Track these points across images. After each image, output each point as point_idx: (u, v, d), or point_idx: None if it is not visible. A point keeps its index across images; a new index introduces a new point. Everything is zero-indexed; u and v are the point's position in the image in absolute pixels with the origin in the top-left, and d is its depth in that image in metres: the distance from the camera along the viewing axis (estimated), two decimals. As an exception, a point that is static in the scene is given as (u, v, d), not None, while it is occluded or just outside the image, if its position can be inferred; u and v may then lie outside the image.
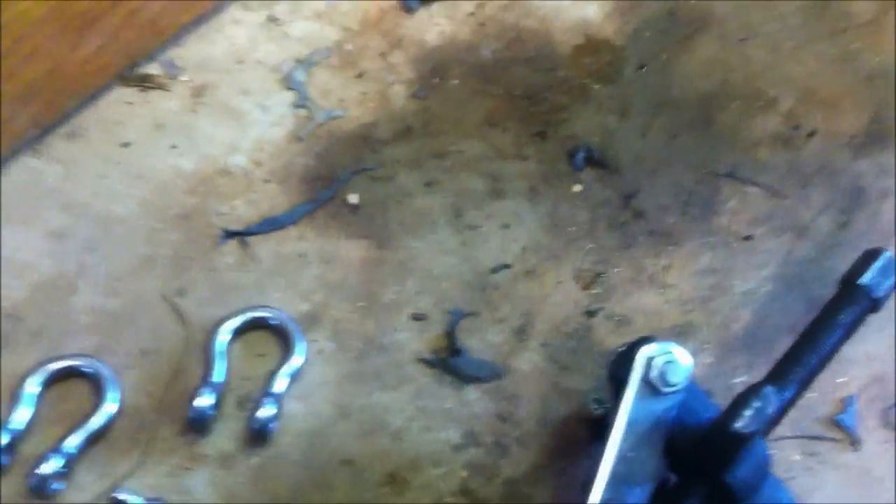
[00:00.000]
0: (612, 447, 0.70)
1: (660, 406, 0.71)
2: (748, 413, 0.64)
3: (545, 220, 0.92)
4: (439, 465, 0.81)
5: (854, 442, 0.82)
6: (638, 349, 0.71)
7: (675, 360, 0.70)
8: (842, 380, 0.85)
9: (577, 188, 0.94)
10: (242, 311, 0.85)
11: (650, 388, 0.71)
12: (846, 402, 0.84)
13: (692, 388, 0.73)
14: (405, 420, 0.83)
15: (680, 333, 0.83)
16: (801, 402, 0.81)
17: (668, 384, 0.69)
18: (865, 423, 0.83)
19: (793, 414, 0.81)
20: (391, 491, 0.79)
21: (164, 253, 0.89)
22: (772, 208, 0.93)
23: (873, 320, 0.84)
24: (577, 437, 0.78)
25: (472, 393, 0.84)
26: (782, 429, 0.81)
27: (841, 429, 0.83)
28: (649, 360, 0.71)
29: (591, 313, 0.87)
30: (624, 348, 0.74)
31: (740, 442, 0.65)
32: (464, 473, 0.81)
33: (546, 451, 0.82)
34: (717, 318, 0.87)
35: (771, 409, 0.64)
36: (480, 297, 0.87)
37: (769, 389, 0.64)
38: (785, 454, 0.81)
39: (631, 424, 0.71)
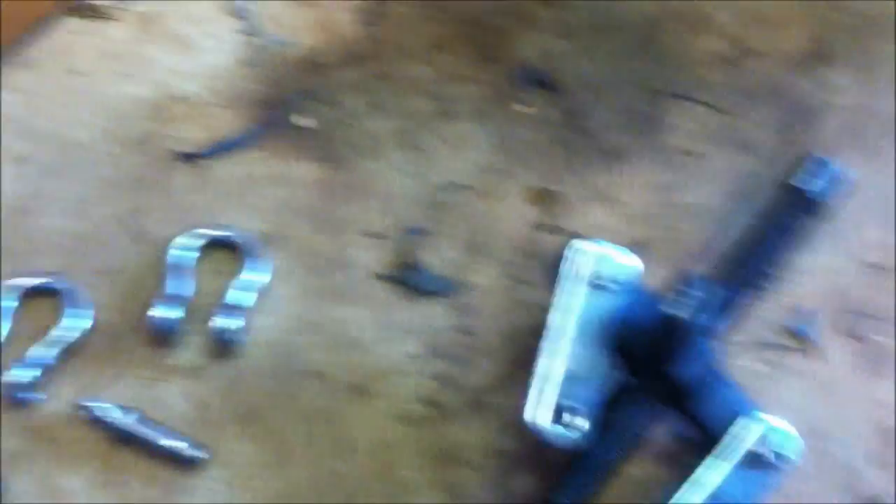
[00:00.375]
0: (560, 345, 0.73)
1: (605, 304, 0.74)
2: (684, 300, 0.65)
3: (494, 139, 0.93)
4: (403, 375, 0.82)
5: (815, 350, 0.83)
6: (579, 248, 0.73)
7: (621, 259, 0.73)
8: (802, 291, 0.87)
9: (525, 109, 0.95)
10: (201, 228, 0.85)
11: (596, 284, 0.73)
12: (806, 312, 0.85)
13: (641, 292, 0.75)
14: (368, 333, 0.84)
15: (630, 248, 0.84)
16: (761, 314, 0.84)
17: (613, 281, 0.72)
18: (825, 331, 0.85)
19: (754, 325, 0.84)
20: (358, 400, 0.79)
21: (123, 177, 0.90)
22: (717, 125, 0.94)
23: (827, 231, 0.88)
24: (535, 346, 0.77)
25: (432, 307, 0.85)
26: (742, 340, 0.83)
27: (802, 338, 0.85)
28: (593, 258, 0.73)
29: (542, 229, 0.88)
30: (569, 247, 0.76)
31: (680, 330, 0.67)
32: (427, 383, 0.82)
33: (506, 360, 0.83)
34: (667, 232, 0.88)
35: (707, 297, 0.65)
36: (435, 216, 0.88)
37: (706, 277, 0.64)
38: (744, 364, 0.83)
39: (579, 321, 0.74)
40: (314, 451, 0.78)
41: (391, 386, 0.81)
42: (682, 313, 0.66)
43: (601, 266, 0.73)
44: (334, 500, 0.76)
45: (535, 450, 0.78)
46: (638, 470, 0.78)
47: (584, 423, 0.70)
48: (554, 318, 0.73)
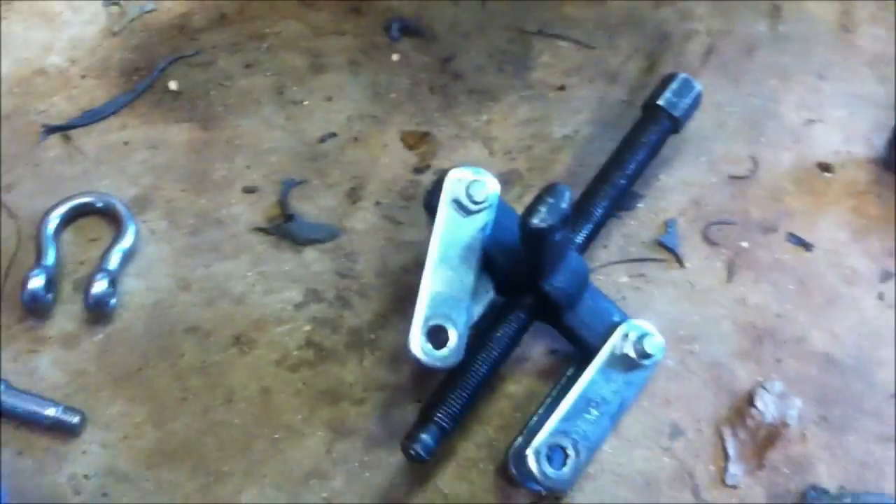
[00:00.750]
0: (430, 267, 0.73)
1: (471, 225, 0.74)
2: (543, 208, 0.65)
3: (367, 89, 0.94)
4: (283, 322, 0.82)
5: (678, 259, 0.84)
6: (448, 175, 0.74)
7: (482, 180, 0.71)
8: (664, 205, 0.89)
9: (396, 57, 0.96)
10: (69, 198, 0.85)
11: (460, 206, 0.74)
12: (668, 225, 0.86)
13: (507, 212, 0.76)
14: (247, 285, 0.83)
15: (506, 181, 0.86)
16: (624, 230, 0.86)
17: (476, 201, 0.72)
18: (687, 241, 0.86)
19: (619, 241, 0.86)
20: (238, 352, 0.79)
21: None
22: (582, 59, 0.96)
23: (688, 148, 0.89)
24: (415, 283, 0.78)
25: (311, 254, 0.85)
26: (610, 255, 0.85)
27: (665, 249, 0.86)
28: (456, 183, 0.72)
29: (419, 170, 0.89)
30: (437, 177, 0.76)
31: (543, 238, 0.67)
32: (308, 328, 0.82)
33: (386, 299, 0.84)
34: (539, 163, 0.90)
35: (565, 205, 0.65)
36: (311, 167, 0.89)
37: (562, 186, 0.66)
38: (614, 279, 0.85)
39: (447, 244, 0.74)
40: (192, 405, 0.79)
41: (271, 334, 0.82)
42: (543, 222, 0.66)
43: (467, 188, 0.74)
44: (214, 448, 0.76)
45: (415, 380, 0.80)
46: (517, 387, 0.80)
47: (455, 343, 0.71)
48: (430, 247, 0.74)
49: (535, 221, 0.65)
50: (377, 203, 0.88)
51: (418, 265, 0.79)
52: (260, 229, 0.86)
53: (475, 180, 0.74)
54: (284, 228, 0.86)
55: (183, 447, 0.77)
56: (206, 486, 0.75)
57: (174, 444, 0.77)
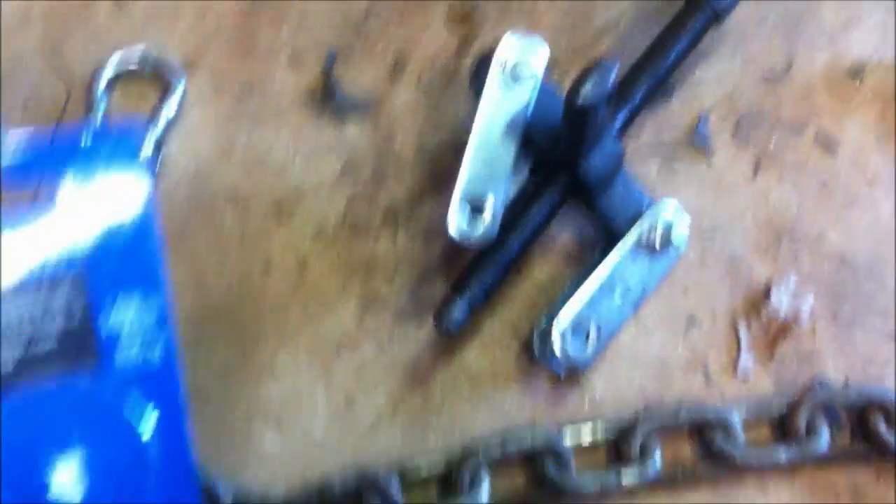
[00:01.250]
0: (471, 145, 0.74)
1: (516, 99, 0.75)
2: (589, 85, 0.66)
3: (414, -37, 0.93)
4: (321, 194, 0.83)
5: (707, 152, 0.85)
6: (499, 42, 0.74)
7: (528, 54, 0.73)
8: (696, 99, 0.90)
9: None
10: (117, 58, 0.86)
11: (505, 80, 0.75)
12: (699, 119, 0.87)
13: (549, 92, 0.77)
14: (287, 156, 0.85)
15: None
16: (657, 121, 0.87)
17: (521, 75, 0.73)
18: (717, 136, 0.87)
19: (651, 132, 0.87)
20: (276, 222, 0.82)
21: (38, 10, 0.89)
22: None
23: (725, 42, 0.90)
24: (450, 163, 0.80)
25: (351, 128, 0.87)
26: (642, 145, 0.86)
27: (695, 142, 0.86)
28: (504, 56, 0.74)
29: (461, 50, 0.89)
30: (484, 51, 0.77)
31: (585, 115, 0.68)
32: (345, 202, 0.83)
33: (422, 177, 0.85)
34: (580, 47, 0.90)
35: (610, 83, 0.66)
36: (355, 40, 0.89)
37: (608, 62, 0.66)
38: (644, 168, 0.87)
39: (489, 122, 0.75)
40: (233, 271, 0.82)
41: (309, 205, 0.84)
42: (588, 101, 0.67)
43: (515, 63, 0.75)
44: (251, 314, 0.80)
45: (446, 259, 0.83)
46: (543, 270, 0.83)
47: (491, 221, 0.73)
48: (474, 123, 0.75)
49: (581, 97, 0.66)
50: (418, 80, 0.89)
51: (455, 145, 0.81)
52: (302, 101, 0.87)
53: (523, 53, 0.75)
54: (326, 101, 0.87)
55: (222, 312, 0.81)
56: (242, 349, 0.79)
57: (213, 308, 0.81)
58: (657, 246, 0.75)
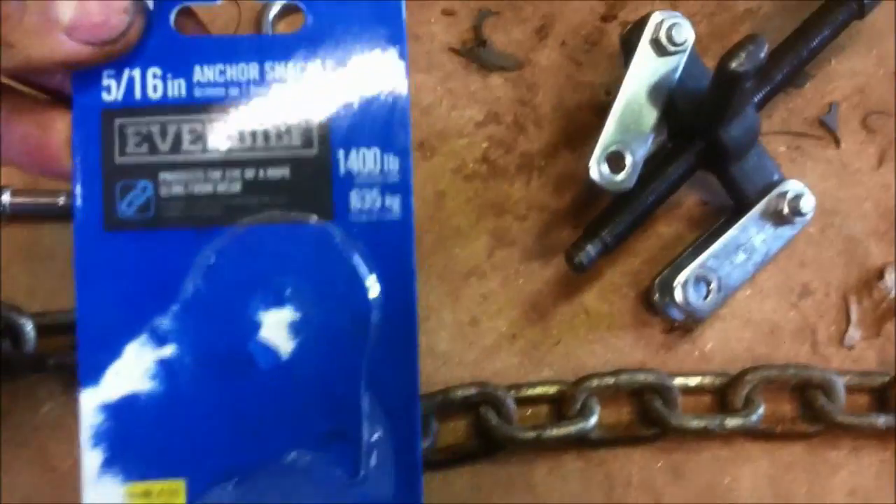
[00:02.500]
0: (621, 100, 0.80)
1: (665, 66, 0.81)
2: (743, 53, 0.71)
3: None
4: (464, 136, 0.90)
5: (835, 139, 0.91)
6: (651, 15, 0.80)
7: (681, 23, 0.78)
8: (829, 88, 0.94)
9: None
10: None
11: (657, 46, 0.79)
12: (831, 107, 0.92)
13: (696, 61, 0.82)
14: (435, 98, 0.92)
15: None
16: (790, 105, 0.92)
17: (673, 43, 0.78)
18: (846, 125, 0.92)
19: (783, 114, 0.92)
20: (421, 155, 0.89)
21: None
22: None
23: (861, 37, 0.95)
24: (587, 122, 0.87)
25: (495, 80, 0.93)
26: (773, 125, 0.91)
27: (825, 128, 0.92)
28: (658, 23, 0.79)
29: (606, 19, 0.96)
30: (636, 21, 0.83)
31: (736, 82, 0.73)
32: (485, 145, 0.90)
33: (559, 131, 0.91)
34: (719, 31, 0.95)
35: (763, 54, 0.71)
36: (505, 2, 0.95)
37: (761, 38, 0.71)
38: (773, 147, 0.91)
39: (639, 81, 0.80)
40: (378, 193, 0.87)
41: (452, 145, 0.91)
42: (741, 67, 0.71)
43: (668, 29, 0.80)
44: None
45: (575, 207, 0.88)
46: (668, 228, 0.88)
47: (631, 169, 0.78)
48: (624, 81, 0.80)
49: (734, 64, 0.71)
50: (563, 43, 0.95)
51: (592, 106, 0.88)
52: (453, 50, 0.93)
53: (676, 23, 0.79)
54: (475, 52, 0.93)
55: (364, 230, 0.86)
56: (380, 265, 0.85)
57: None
58: (785, 215, 0.80)
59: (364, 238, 0.50)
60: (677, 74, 0.81)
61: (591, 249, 0.78)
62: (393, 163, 0.51)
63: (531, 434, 0.77)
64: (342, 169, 0.50)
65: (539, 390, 0.80)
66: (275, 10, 0.91)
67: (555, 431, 0.77)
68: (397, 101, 0.52)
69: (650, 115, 0.81)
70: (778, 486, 0.82)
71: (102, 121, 0.48)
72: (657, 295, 0.81)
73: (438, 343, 0.83)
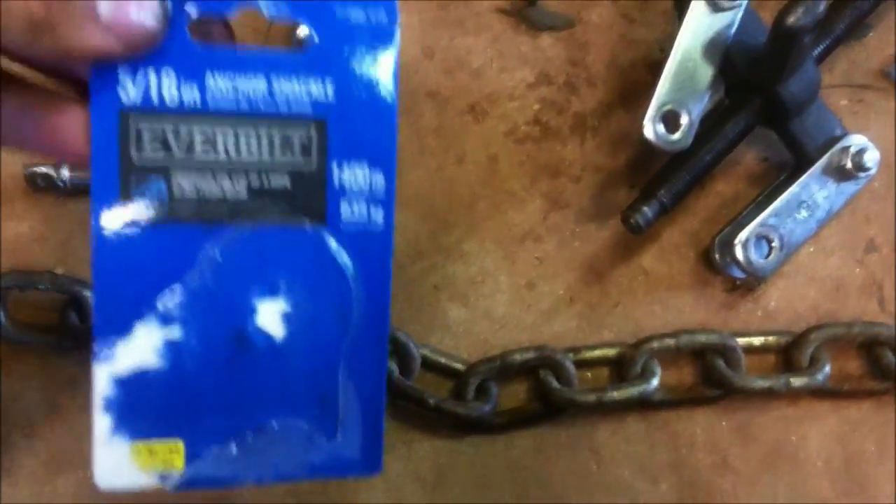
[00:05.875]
0: (675, 57, 0.81)
1: (720, 22, 0.82)
2: (801, 8, 0.72)
3: None
4: (515, 98, 0.93)
5: (898, 91, 0.92)
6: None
7: (736, -24, 0.80)
8: (891, 39, 0.94)
9: None
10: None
11: (711, 2, 0.81)
12: (893, 58, 0.93)
13: (752, 16, 0.83)
14: (485, 60, 0.94)
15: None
16: (851, 57, 0.93)
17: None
18: (910, 75, 0.93)
19: (844, 66, 0.93)
20: (472, 119, 0.92)
21: None
22: None
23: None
24: (642, 80, 0.88)
25: (546, 40, 0.95)
26: (834, 78, 0.93)
27: (888, 80, 0.93)
28: (713, -26, 0.81)
29: (659, -24, 0.97)
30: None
31: (794, 37, 0.74)
32: (537, 106, 0.92)
33: (612, 90, 0.93)
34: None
35: (821, 8, 0.72)
36: (555, -42, 0.97)
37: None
38: (835, 100, 0.92)
39: (693, 37, 0.82)
40: (428, 161, 0.91)
41: (503, 108, 0.93)
42: (799, 22, 0.72)
43: None
44: (443, 201, 0.89)
45: (630, 168, 0.90)
46: (727, 187, 0.90)
47: (687, 129, 0.80)
48: (677, 38, 0.82)
49: (792, 20, 0.72)
50: (613, 1, 0.96)
51: (646, 63, 0.89)
52: (502, 11, 0.96)
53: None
54: (525, 12, 0.95)
55: (416, 196, 0.90)
56: (433, 231, 0.89)
57: (409, 193, 0.90)
58: (848, 170, 0.81)
59: (351, 244, 0.59)
60: (733, 30, 0.82)
61: (648, 210, 0.80)
62: (378, 179, 0.58)
63: (592, 397, 0.79)
64: (336, 182, 0.58)
65: (598, 353, 0.82)
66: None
67: (616, 394, 0.79)
68: (386, 121, 0.59)
69: (706, 72, 0.82)
70: (847, 444, 0.84)
71: (120, 121, 0.55)
72: (718, 254, 0.83)
73: (496, 307, 0.86)
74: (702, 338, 0.80)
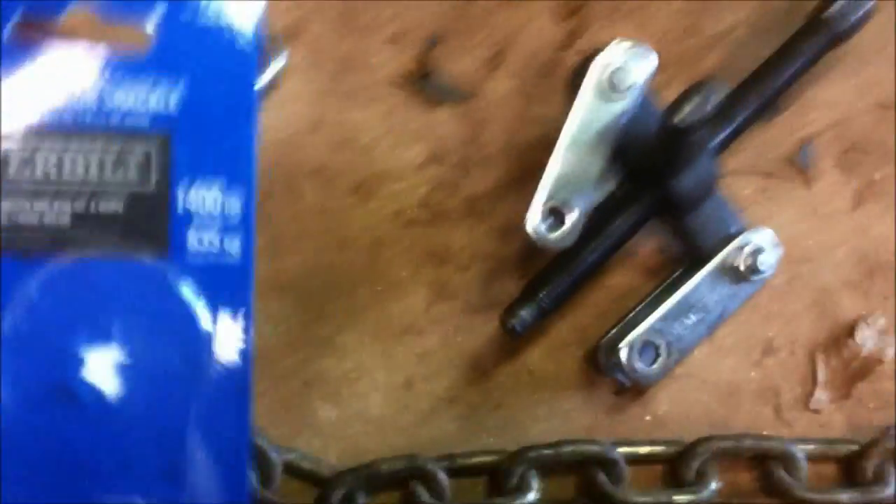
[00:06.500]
0: (560, 148, 0.78)
1: (610, 111, 0.79)
2: (687, 107, 0.69)
3: (525, -45, 0.97)
4: (404, 178, 0.89)
5: (809, 179, 0.88)
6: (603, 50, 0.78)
7: (626, 67, 0.77)
8: (802, 122, 0.92)
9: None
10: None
11: (601, 90, 0.78)
12: (803, 143, 0.90)
13: (647, 104, 0.80)
14: (374, 137, 0.90)
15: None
16: (758, 141, 0.90)
17: (617, 89, 0.77)
18: (820, 163, 0.90)
19: (751, 152, 0.90)
20: (357, 200, 0.88)
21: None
22: (749, -46, 0.98)
23: (840, 66, 0.92)
24: (539, 160, 0.84)
25: (441, 115, 0.91)
26: (739, 164, 0.90)
27: (796, 168, 0.90)
28: (603, 66, 0.77)
29: (564, 47, 0.93)
30: (585, 56, 0.81)
31: (682, 136, 0.71)
32: (426, 188, 0.89)
33: (508, 172, 0.90)
34: (687, 58, 0.93)
35: (710, 106, 0.69)
36: (457, 25, 0.94)
37: (714, 84, 0.70)
38: (738, 189, 0.89)
39: (581, 127, 0.79)
40: (307, 245, 0.87)
41: (391, 188, 0.89)
42: (686, 122, 0.70)
43: (612, 73, 0.78)
44: (321, 289, 0.86)
45: (522, 256, 0.87)
46: (620, 279, 0.87)
47: (571, 226, 0.77)
48: (564, 127, 0.79)
49: (678, 119, 0.70)
50: (515, 74, 0.93)
51: (545, 143, 0.84)
52: (397, 82, 0.92)
53: (620, 67, 0.78)
54: (421, 85, 0.92)
55: (292, 283, 0.86)
56: (307, 322, 0.85)
57: (284, 279, 0.86)
58: (742, 271, 0.78)
59: (200, 279, 0.53)
60: (624, 120, 0.79)
61: (526, 314, 0.77)
62: (234, 203, 0.54)
63: (461, 515, 0.74)
64: (180, 207, 0.52)
65: (475, 461, 0.78)
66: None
67: (487, 511, 0.75)
68: (243, 133, 0.54)
69: (594, 165, 0.79)
70: (733, 570, 0.81)
71: None
72: (604, 357, 0.79)
73: (370, 407, 0.82)
74: (582, 448, 0.76)
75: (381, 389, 0.83)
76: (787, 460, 0.78)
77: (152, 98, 0.52)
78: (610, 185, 0.82)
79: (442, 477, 0.76)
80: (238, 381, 0.54)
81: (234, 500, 0.53)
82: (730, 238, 0.80)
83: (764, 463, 0.79)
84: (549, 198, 0.78)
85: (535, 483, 0.78)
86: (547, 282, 0.79)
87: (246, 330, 0.53)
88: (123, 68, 0.51)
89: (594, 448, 0.77)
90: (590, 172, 0.79)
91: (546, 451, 0.78)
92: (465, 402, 0.84)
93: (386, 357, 0.84)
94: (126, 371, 0.51)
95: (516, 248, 0.88)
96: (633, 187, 0.82)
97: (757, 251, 0.78)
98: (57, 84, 0.50)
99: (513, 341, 0.84)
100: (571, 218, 0.78)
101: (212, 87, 0.52)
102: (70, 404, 0.50)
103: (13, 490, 0.49)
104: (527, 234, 0.78)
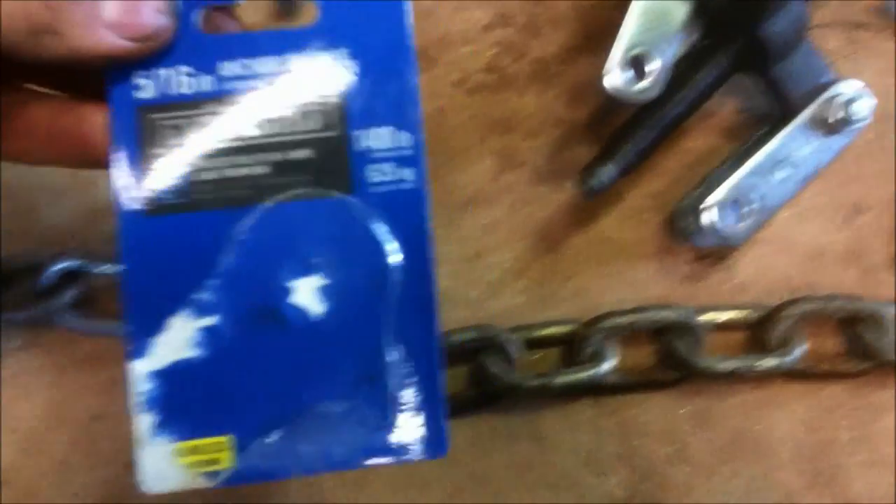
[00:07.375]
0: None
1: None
2: None
3: None
4: (468, 42, 0.86)
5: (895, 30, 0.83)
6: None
7: None
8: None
9: None
10: None
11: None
12: (893, -7, 0.84)
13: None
14: (434, 1, 0.86)
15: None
16: (848, -8, 0.85)
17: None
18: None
19: (836, 1, 0.85)
20: (420, 68, 0.85)
21: None
22: None
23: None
24: (611, 19, 0.80)
25: (506, -25, 0.86)
26: (826, 16, 0.85)
27: (885, 17, 0.85)
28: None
29: None
30: None
31: None
32: (492, 52, 0.86)
33: (578, 32, 0.86)
34: None
35: None
36: None
37: None
38: (825, 42, 0.85)
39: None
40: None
41: (454, 54, 0.86)
42: None
43: None
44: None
45: (595, 120, 0.83)
46: (698, 142, 0.83)
47: (656, 76, 0.73)
48: None
49: None
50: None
51: (616, 0, 0.81)
52: (455, -58, 0.88)
53: None
54: (481, -57, 0.88)
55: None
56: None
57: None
58: (834, 123, 0.74)
59: (381, 208, 0.59)
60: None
61: (606, 172, 0.74)
62: (406, 139, 0.59)
63: (535, 382, 0.74)
64: (358, 147, 0.59)
65: (548, 332, 0.76)
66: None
67: (562, 379, 0.74)
68: (407, 83, 0.60)
69: (679, 10, 0.75)
70: (817, 433, 0.79)
71: (138, 117, 0.56)
72: (684, 219, 0.76)
73: (439, 279, 0.80)
74: (661, 314, 0.74)
75: (448, 261, 0.80)
76: (875, 321, 0.75)
77: (326, 58, 0.59)
78: (693, 37, 0.78)
79: (513, 347, 0.74)
80: (425, 292, 0.60)
81: (430, 400, 0.59)
82: (821, 88, 0.75)
83: (852, 325, 0.75)
84: (629, 48, 0.73)
85: (612, 352, 0.74)
86: (628, 138, 0.76)
87: (425, 246, 0.59)
88: (299, 37, 0.59)
89: (672, 314, 0.74)
90: (672, 21, 0.74)
91: (622, 319, 0.75)
92: (534, 273, 0.82)
93: (453, 228, 0.81)
94: (325, 295, 0.58)
95: (588, 113, 0.84)
96: (717, 39, 0.77)
97: (852, 99, 0.73)
98: (246, 59, 0.59)
99: (586, 208, 0.81)
100: (656, 66, 0.73)
101: (374, 46, 0.60)
102: (281, 327, 0.58)
103: (236, 399, 0.57)
104: (603, 92, 0.74)
